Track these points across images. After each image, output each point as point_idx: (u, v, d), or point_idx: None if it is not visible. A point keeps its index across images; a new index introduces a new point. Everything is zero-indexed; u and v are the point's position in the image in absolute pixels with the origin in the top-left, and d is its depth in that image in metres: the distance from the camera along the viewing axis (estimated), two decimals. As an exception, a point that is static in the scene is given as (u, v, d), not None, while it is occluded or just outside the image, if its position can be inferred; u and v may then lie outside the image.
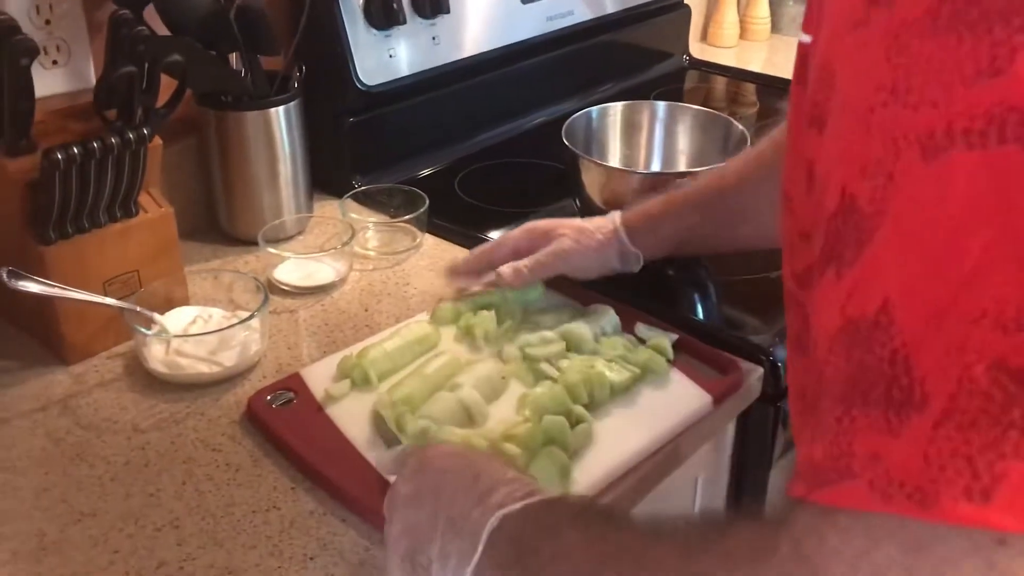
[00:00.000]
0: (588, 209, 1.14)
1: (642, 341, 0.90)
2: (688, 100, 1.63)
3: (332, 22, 1.15)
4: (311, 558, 0.70)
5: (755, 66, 1.79)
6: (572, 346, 0.88)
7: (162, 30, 0.99)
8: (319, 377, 0.86)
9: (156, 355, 0.88)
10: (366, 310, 1.01)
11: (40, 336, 0.93)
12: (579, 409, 0.79)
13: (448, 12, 1.24)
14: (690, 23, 1.76)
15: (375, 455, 0.76)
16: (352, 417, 0.81)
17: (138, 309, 0.89)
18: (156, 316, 0.90)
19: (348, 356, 0.86)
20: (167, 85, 0.92)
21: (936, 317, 0.31)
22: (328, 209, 1.19)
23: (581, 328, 0.89)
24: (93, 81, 1.02)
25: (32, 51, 0.82)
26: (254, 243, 1.06)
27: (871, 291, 0.34)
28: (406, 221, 1.12)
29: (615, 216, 0.95)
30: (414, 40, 1.23)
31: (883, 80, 0.33)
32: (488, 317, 0.91)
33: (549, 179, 1.28)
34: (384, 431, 0.78)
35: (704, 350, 0.90)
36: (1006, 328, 0.30)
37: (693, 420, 0.83)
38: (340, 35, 1.16)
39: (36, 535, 0.71)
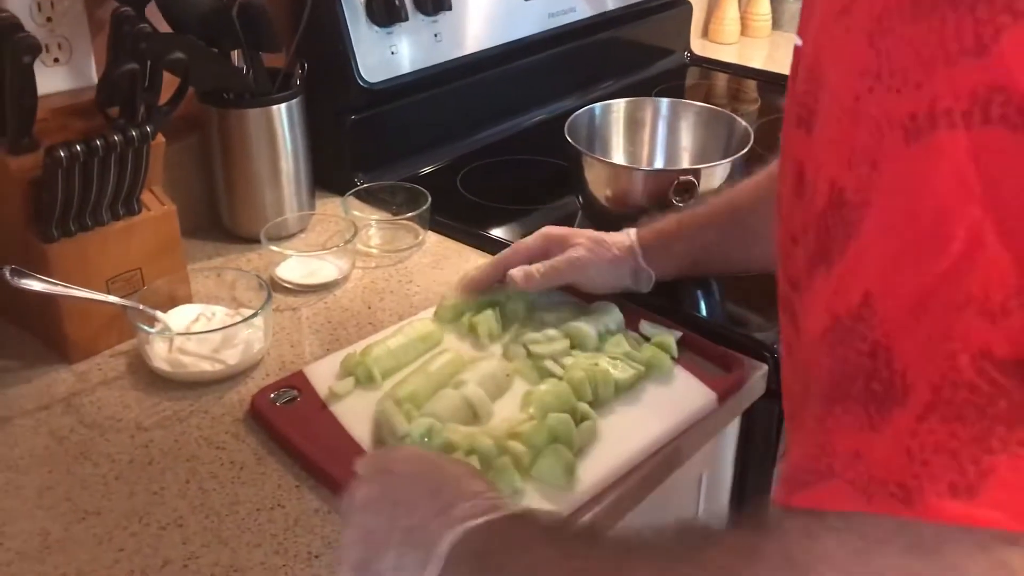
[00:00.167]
0: (591, 206, 1.14)
1: (646, 339, 0.90)
2: (690, 97, 1.62)
3: (334, 19, 1.15)
4: (316, 556, 0.69)
5: (756, 63, 1.79)
6: (576, 344, 0.88)
7: (164, 27, 0.99)
8: (322, 375, 0.86)
9: (159, 353, 0.88)
10: (369, 308, 1.01)
11: (43, 334, 0.93)
12: (583, 407, 0.79)
13: (450, 9, 1.24)
14: (691, 20, 1.76)
15: (379, 453, 0.76)
16: (356, 415, 0.81)
17: (141, 307, 0.89)
18: (159, 314, 0.90)
19: (352, 354, 0.86)
20: (169, 83, 0.92)
21: (919, 305, 0.31)
22: (330, 207, 1.19)
23: (585, 326, 0.89)
24: (95, 79, 1.02)
25: (34, 48, 0.81)
26: (257, 241, 1.06)
27: (854, 284, 0.33)
28: (408, 219, 1.12)
29: (631, 232, 0.94)
30: (416, 37, 1.23)
31: (868, 65, 0.33)
32: (492, 315, 0.91)
33: (551, 176, 1.28)
34: (387, 429, 0.78)
35: (708, 347, 0.90)
36: (992, 315, 0.29)
37: (697, 417, 0.83)
38: (342, 32, 1.16)
39: (40, 534, 0.71)
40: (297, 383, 0.85)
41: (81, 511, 0.73)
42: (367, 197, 1.18)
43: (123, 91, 0.87)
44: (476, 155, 1.35)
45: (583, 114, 1.21)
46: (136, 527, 0.72)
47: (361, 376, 0.84)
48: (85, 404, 0.85)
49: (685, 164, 1.24)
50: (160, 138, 0.91)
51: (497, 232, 1.14)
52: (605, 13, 1.51)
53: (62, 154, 0.80)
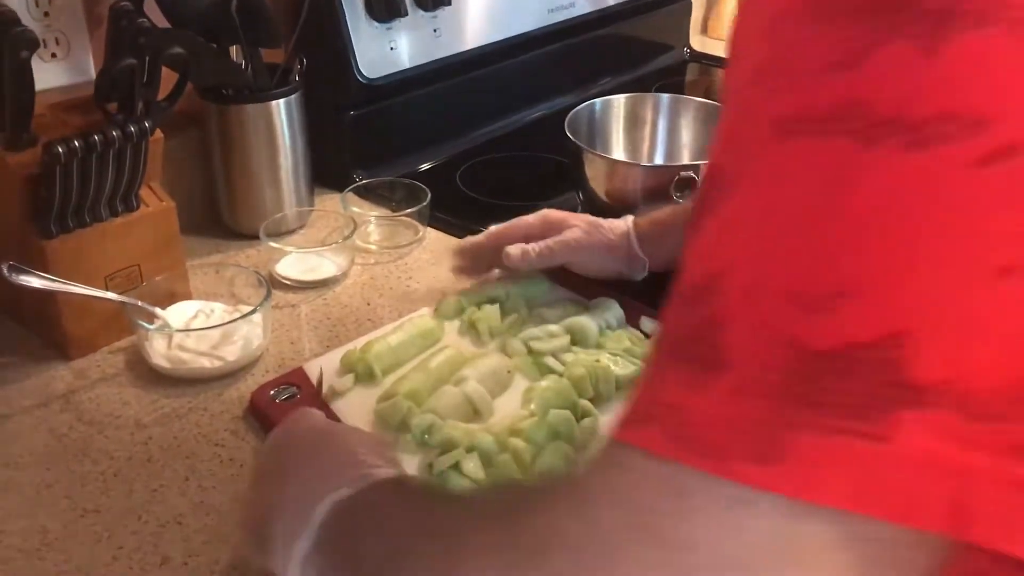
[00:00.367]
0: (591, 202, 1.13)
1: (647, 335, 0.90)
2: (689, 93, 1.62)
3: (333, 14, 1.15)
4: (316, 554, 0.69)
5: (756, 59, 1.79)
6: (577, 340, 0.88)
7: (162, 22, 0.99)
8: (323, 372, 0.85)
9: (158, 350, 0.88)
10: (368, 304, 1.00)
11: (42, 331, 0.93)
12: (585, 403, 0.79)
13: (449, 4, 1.24)
14: (691, 16, 1.76)
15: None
16: (356, 412, 0.80)
17: (140, 304, 0.88)
18: (158, 311, 0.90)
19: (352, 351, 0.86)
20: (168, 78, 0.91)
21: (752, 290, 0.33)
22: (329, 203, 1.19)
23: (586, 322, 0.88)
24: (92, 74, 1.02)
25: (32, 43, 0.81)
26: (256, 237, 1.06)
27: (707, 258, 0.35)
28: (408, 215, 1.12)
29: (628, 219, 0.95)
30: (415, 32, 1.23)
31: (757, 60, 0.34)
32: (492, 312, 0.91)
33: (551, 172, 1.28)
34: (387, 426, 0.78)
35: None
36: (806, 308, 0.31)
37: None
38: (341, 28, 1.15)
39: (39, 532, 0.71)
40: (297, 380, 0.84)
41: (80, 508, 0.73)
42: (366, 193, 1.18)
43: (121, 87, 0.87)
44: (476, 151, 1.34)
45: (583, 110, 1.21)
46: (135, 525, 0.72)
47: (362, 373, 0.84)
48: (84, 401, 0.85)
49: (685, 160, 1.24)
50: (159, 134, 0.91)
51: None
52: (605, 9, 1.51)
53: (60, 150, 0.80)
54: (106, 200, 0.88)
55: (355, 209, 1.13)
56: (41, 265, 0.85)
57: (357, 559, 0.50)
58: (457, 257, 0.98)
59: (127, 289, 0.91)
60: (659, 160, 1.26)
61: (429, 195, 1.11)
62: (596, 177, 1.12)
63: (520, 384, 0.84)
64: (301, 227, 1.14)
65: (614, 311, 0.92)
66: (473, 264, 0.98)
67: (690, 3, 1.73)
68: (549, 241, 0.92)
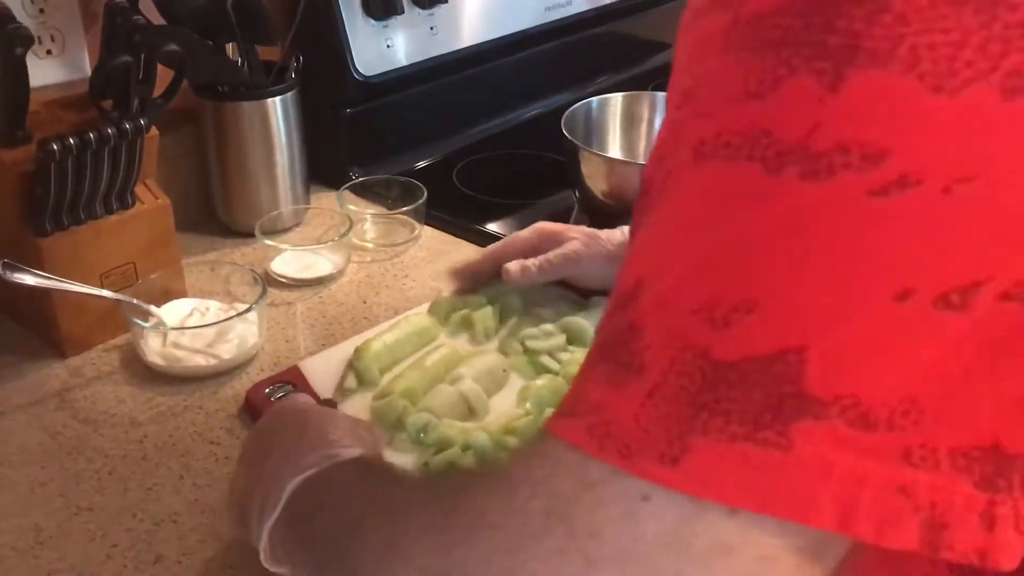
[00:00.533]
0: (588, 201, 1.13)
1: (643, 334, 0.90)
2: (686, 91, 1.62)
3: (330, 12, 1.15)
4: (311, 552, 0.69)
5: (753, 57, 1.78)
6: (573, 339, 0.88)
7: (158, 19, 0.98)
8: (317, 370, 0.85)
9: (153, 348, 0.87)
10: (364, 302, 1.00)
11: (36, 329, 0.93)
12: (580, 402, 0.79)
13: (446, 2, 1.23)
14: (688, 14, 1.75)
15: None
16: (352, 410, 0.80)
17: (135, 301, 0.88)
18: (153, 308, 0.90)
19: (360, 347, 0.85)
20: (163, 75, 0.91)
21: (665, 302, 0.35)
22: (325, 201, 1.18)
23: (582, 321, 0.88)
24: (88, 71, 1.01)
25: (27, 40, 0.81)
26: (251, 235, 1.06)
27: (634, 268, 0.38)
28: (404, 213, 1.12)
29: (625, 229, 0.94)
30: (412, 30, 1.23)
31: (685, 84, 0.37)
32: (488, 310, 0.91)
33: (548, 170, 1.28)
34: (383, 424, 0.77)
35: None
36: (714, 323, 0.33)
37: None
38: (338, 25, 1.15)
39: (33, 530, 0.71)
40: (292, 378, 0.84)
41: (74, 507, 0.73)
42: (362, 191, 1.18)
43: (117, 84, 0.87)
44: (472, 149, 1.34)
45: (580, 108, 1.21)
46: (130, 523, 0.72)
47: (362, 375, 0.83)
48: (78, 399, 0.85)
49: (682, 159, 1.24)
50: (154, 131, 0.91)
51: (493, 226, 1.14)
52: (602, 7, 1.51)
53: (55, 147, 0.80)
54: (101, 197, 0.88)
55: (351, 207, 1.13)
56: (36, 263, 0.85)
57: (313, 535, 0.52)
58: (455, 279, 0.96)
59: (122, 287, 0.90)
60: (656, 159, 1.26)
61: (425, 193, 1.11)
62: (592, 176, 1.12)
63: (516, 383, 0.84)
64: (297, 225, 1.14)
65: (610, 310, 0.91)
66: (471, 286, 0.96)
67: (687, 2, 1.73)
68: (549, 255, 0.91)
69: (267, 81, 1.07)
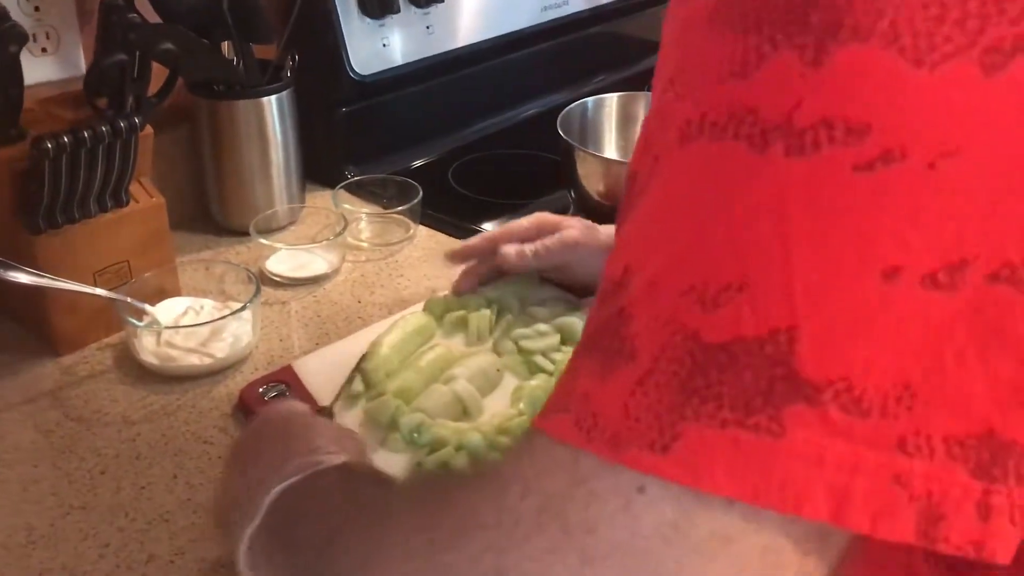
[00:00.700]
0: (583, 201, 1.13)
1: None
2: (683, 92, 1.62)
3: (326, 11, 1.14)
4: (304, 552, 0.69)
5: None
6: (567, 339, 0.87)
7: (153, 18, 0.98)
8: (311, 370, 0.85)
9: (147, 346, 0.87)
10: (359, 302, 1.00)
11: (30, 327, 0.92)
12: (574, 403, 0.79)
13: (442, 1, 1.23)
14: (685, 14, 1.75)
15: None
16: (359, 416, 0.80)
17: (129, 300, 0.88)
18: (147, 307, 0.90)
19: (368, 352, 0.85)
20: (159, 73, 0.91)
21: (654, 285, 0.35)
22: (320, 199, 1.18)
23: (576, 321, 0.88)
24: (83, 69, 1.01)
25: (21, 38, 0.81)
26: (246, 233, 1.06)
27: (622, 256, 0.37)
28: (399, 212, 1.12)
29: None
30: (408, 29, 1.22)
31: (671, 67, 0.36)
32: (484, 312, 0.90)
33: (543, 170, 1.28)
34: (376, 424, 0.77)
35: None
36: (704, 305, 0.33)
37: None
38: (334, 24, 1.15)
39: (24, 529, 0.71)
40: (286, 377, 0.84)
41: (67, 506, 0.73)
42: (358, 190, 1.18)
43: (112, 82, 0.87)
44: (468, 148, 1.34)
45: (576, 108, 1.21)
46: (122, 522, 0.71)
47: (371, 381, 0.82)
48: (72, 398, 0.85)
49: (678, 159, 1.24)
50: (149, 129, 0.90)
51: (488, 226, 1.14)
52: (599, 7, 1.51)
53: (49, 145, 0.80)
54: (95, 196, 0.88)
55: (346, 206, 1.13)
56: (30, 261, 0.85)
57: (296, 542, 0.51)
58: (451, 260, 0.96)
59: (116, 285, 0.90)
60: (651, 159, 1.26)
61: (421, 192, 1.11)
62: (588, 175, 1.12)
63: (510, 383, 0.83)
64: (292, 224, 1.14)
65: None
66: (471, 266, 0.96)
67: None
68: (546, 241, 0.91)
69: (262, 80, 1.07)
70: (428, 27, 1.24)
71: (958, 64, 0.30)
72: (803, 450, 0.32)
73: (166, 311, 0.91)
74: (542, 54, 1.44)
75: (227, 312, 0.90)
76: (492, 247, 0.93)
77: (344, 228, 1.05)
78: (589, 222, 0.94)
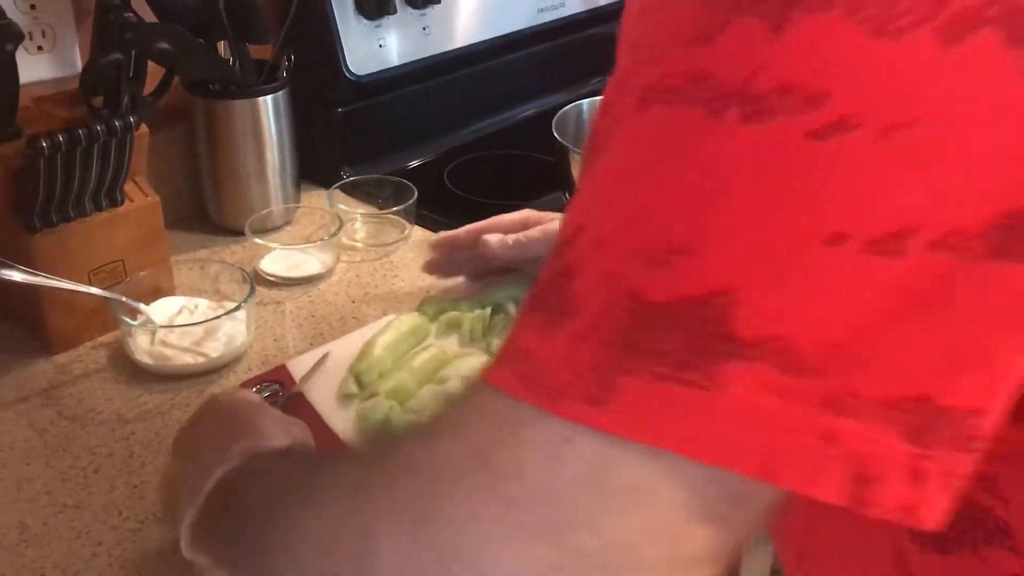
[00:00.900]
0: (578, 203, 1.13)
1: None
2: (679, 94, 1.62)
3: (322, 11, 1.14)
4: (296, 552, 0.69)
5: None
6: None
7: (150, 17, 0.98)
8: (305, 369, 0.85)
9: (141, 345, 0.87)
10: (353, 302, 1.00)
11: (25, 325, 0.92)
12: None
13: (439, 2, 1.23)
14: (681, 16, 1.76)
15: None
16: (337, 408, 0.80)
17: (123, 299, 0.88)
18: (142, 306, 0.90)
19: (361, 353, 0.85)
20: (155, 72, 0.91)
21: (602, 243, 0.35)
22: (316, 200, 1.18)
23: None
24: (79, 67, 1.01)
25: (17, 36, 0.81)
26: (241, 233, 1.06)
27: (575, 215, 0.38)
28: (394, 213, 1.12)
29: None
30: (405, 30, 1.23)
31: (634, 35, 0.37)
32: (478, 313, 0.90)
33: (539, 172, 1.28)
34: (368, 425, 0.77)
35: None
36: (650, 264, 0.33)
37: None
38: (330, 24, 1.15)
39: (17, 527, 0.71)
40: (280, 377, 0.84)
41: (60, 504, 0.73)
42: (353, 190, 1.18)
43: (107, 81, 0.87)
44: (464, 149, 1.34)
45: (571, 110, 1.21)
46: (115, 520, 0.72)
47: (364, 382, 0.83)
48: (66, 396, 0.85)
49: (672, 161, 1.24)
50: (144, 128, 0.91)
51: (483, 227, 1.14)
52: (595, 9, 1.51)
53: (44, 144, 0.80)
54: (90, 195, 0.88)
55: (341, 206, 1.13)
56: (25, 259, 0.85)
57: (235, 523, 0.52)
58: (432, 250, 0.96)
59: (111, 284, 0.90)
60: (646, 161, 1.26)
61: (416, 193, 1.11)
62: (583, 177, 1.12)
63: (503, 384, 0.83)
64: (287, 224, 1.14)
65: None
66: (449, 258, 0.96)
67: None
68: (528, 231, 0.91)
69: (258, 80, 1.07)
70: (424, 28, 1.25)
71: (917, 36, 0.30)
72: (735, 405, 0.32)
73: (160, 310, 0.91)
74: (538, 56, 1.44)
75: (221, 312, 0.90)
76: (475, 237, 0.93)
77: (339, 228, 1.05)
78: None
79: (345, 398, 0.82)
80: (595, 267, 0.35)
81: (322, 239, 1.06)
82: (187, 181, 1.12)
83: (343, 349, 0.87)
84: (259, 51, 1.08)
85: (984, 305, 0.31)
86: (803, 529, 0.55)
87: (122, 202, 0.91)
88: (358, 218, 1.13)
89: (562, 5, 1.44)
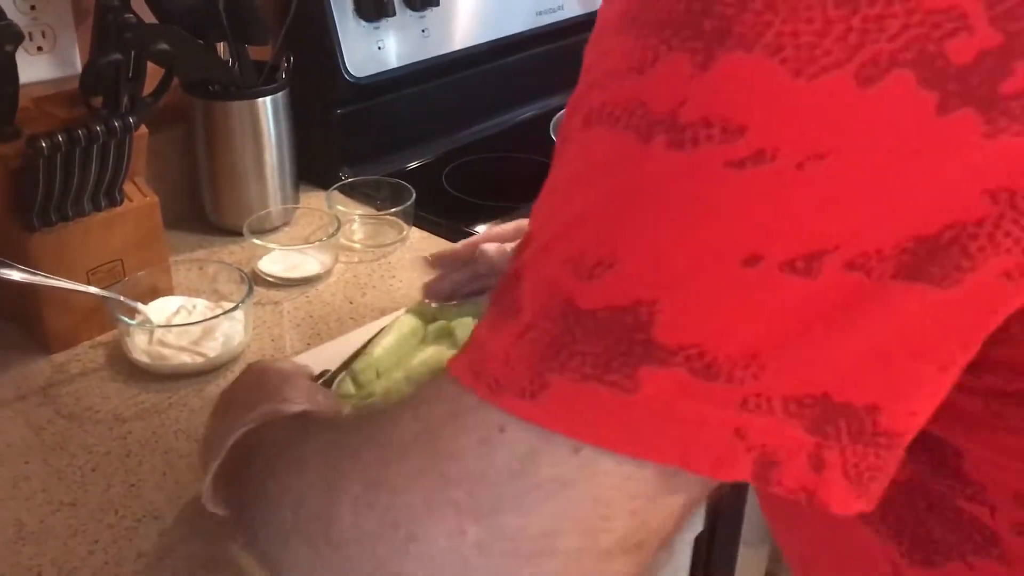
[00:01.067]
0: (575, 205, 1.14)
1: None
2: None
3: (321, 13, 1.15)
4: (292, 551, 0.69)
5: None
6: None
7: (149, 18, 0.99)
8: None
9: (139, 345, 0.88)
10: (351, 303, 1.01)
11: (23, 324, 0.93)
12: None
13: (438, 5, 1.24)
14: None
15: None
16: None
17: (122, 298, 0.88)
18: (140, 306, 0.90)
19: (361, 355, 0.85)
20: (154, 73, 0.92)
21: (542, 252, 0.38)
22: (314, 200, 1.19)
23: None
24: (79, 68, 1.02)
25: (16, 37, 0.81)
26: (239, 233, 1.06)
27: (530, 222, 0.41)
28: (392, 214, 1.12)
29: None
30: (403, 32, 1.23)
31: (587, 60, 0.40)
32: (468, 321, 0.90)
33: (537, 174, 1.26)
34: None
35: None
36: (580, 274, 0.36)
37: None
38: (329, 26, 1.16)
39: (14, 525, 0.71)
40: (277, 377, 0.84)
41: (56, 502, 0.73)
42: (351, 192, 1.18)
43: (107, 81, 0.87)
44: (462, 151, 1.35)
45: (564, 115, 1.21)
46: (112, 519, 0.72)
47: (360, 381, 0.83)
48: (63, 395, 0.85)
49: (670, 164, 1.24)
50: (143, 129, 0.91)
51: (481, 229, 1.14)
52: (593, 12, 1.51)
53: (44, 144, 0.80)
54: (89, 195, 0.88)
55: (339, 207, 1.13)
56: (23, 259, 0.85)
57: (245, 479, 0.55)
58: (430, 268, 0.95)
59: (109, 284, 0.91)
60: (644, 164, 1.26)
61: (414, 194, 1.12)
62: (580, 180, 1.12)
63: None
64: (285, 224, 1.14)
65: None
66: (447, 279, 0.95)
67: None
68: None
69: (258, 81, 1.07)
70: (423, 30, 1.25)
71: (834, 76, 0.32)
72: (653, 405, 0.35)
73: (158, 310, 0.92)
74: (536, 58, 1.45)
75: (219, 311, 0.91)
76: (471, 251, 0.94)
77: (337, 229, 1.05)
78: None
79: (341, 398, 0.82)
80: (535, 273, 0.38)
81: (320, 240, 1.07)
82: (186, 181, 1.13)
83: (341, 349, 0.87)
84: (258, 52, 1.08)
85: (889, 320, 0.34)
86: (806, 541, 0.57)
87: (121, 202, 0.91)
88: (356, 219, 1.14)
89: (560, 8, 1.45)
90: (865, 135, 0.32)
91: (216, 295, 0.96)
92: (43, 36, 1.00)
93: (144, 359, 0.87)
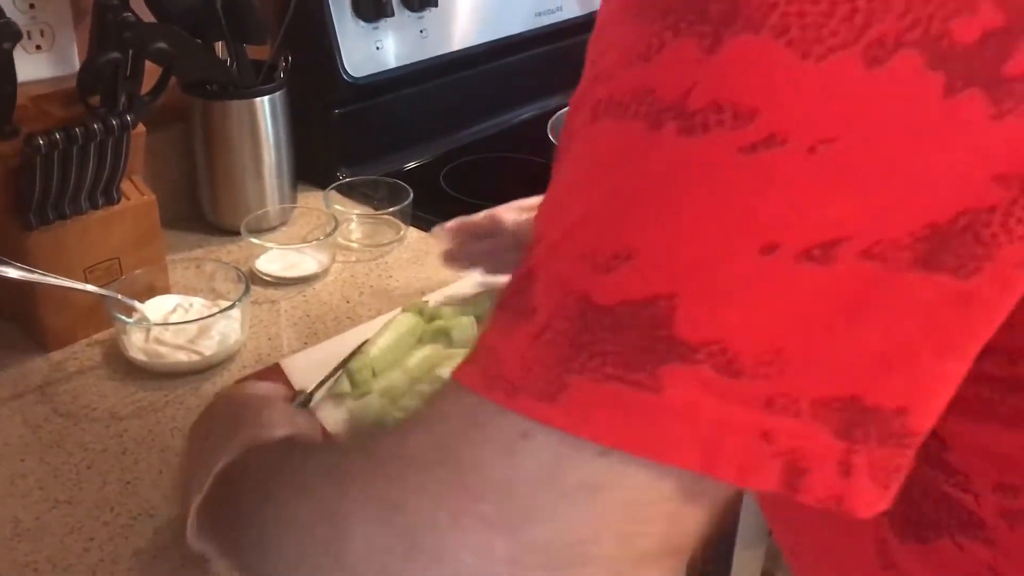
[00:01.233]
0: (572, 205, 1.14)
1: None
2: (675, 98, 1.63)
3: (320, 13, 1.15)
4: (287, 549, 0.69)
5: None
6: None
7: (148, 17, 0.99)
8: (299, 369, 0.86)
9: (136, 343, 0.88)
10: (348, 302, 1.01)
11: (20, 322, 0.93)
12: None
13: (436, 6, 1.24)
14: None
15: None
16: (331, 408, 0.81)
17: (119, 297, 0.89)
18: (137, 304, 0.90)
19: (358, 354, 0.85)
20: (152, 72, 0.92)
21: (554, 249, 0.37)
22: (312, 200, 1.19)
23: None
24: (77, 66, 1.02)
25: (15, 35, 0.81)
26: (237, 233, 1.06)
27: (538, 220, 0.40)
28: (390, 214, 1.12)
29: None
30: (402, 33, 1.23)
31: (592, 55, 0.39)
32: (465, 320, 0.90)
33: (535, 175, 1.28)
34: (361, 424, 0.78)
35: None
36: (595, 269, 0.35)
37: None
38: (327, 26, 1.16)
39: (11, 522, 0.71)
40: (274, 376, 0.85)
41: (53, 500, 0.73)
42: (349, 191, 1.18)
43: (105, 80, 0.87)
44: (460, 152, 1.35)
45: (566, 113, 1.21)
46: (108, 516, 0.72)
47: (357, 380, 0.83)
48: (60, 393, 0.85)
49: (667, 165, 1.25)
50: (141, 128, 0.91)
51: (478, 229, 1.15)
52: (592, 13, 1.51)
53: (41, 142, 0.80)
54: (87, 193, 0.88)
55: (337, 207, 1.13)
56: (21, 257, 0.85)
57: (234, 512, 0.53)
58: (449, 238, 0.95)
59: (107, 282, 0.91)
60: (642, 165, 1.26)
61: (411, 194, 1.12)
62: (578, 180, 1.12)
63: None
64: (283, 224, 1.14)
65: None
66: (466, 248, 0.95)
67: None
68: None
69: (256, 80, 1.07)
70: (422, 31, 1.25)
71: (842, 57, 0.31)
72: (678, 405, 0.34)
73: (155, 308, 0.92)
74: (535, 59, 1.45)
75: (216, 310, 0.91)
76: (490, 222, 0.93)
77: (335, 229, 1.06)
78: None
79: (338, 397, 0.82)
80: (548, 271, 0.37)
81: (318, 239, 1.07)
82: (183, 180, 1.13)
83: (337, 348, 0.88)
84: (257, 52, 1.08)
85: (908, 311, 0.33)
86: (795, 520, 0.57)
87: (118, 200, 0.92)
88: (354, 219, 1.14)
89: (559, 9, 1.45)
90: (874, 117, 0.32)
91: (213, 294, 0.96)
92: (41, 35, 1.00)
93: (141, 357, 0.87)
